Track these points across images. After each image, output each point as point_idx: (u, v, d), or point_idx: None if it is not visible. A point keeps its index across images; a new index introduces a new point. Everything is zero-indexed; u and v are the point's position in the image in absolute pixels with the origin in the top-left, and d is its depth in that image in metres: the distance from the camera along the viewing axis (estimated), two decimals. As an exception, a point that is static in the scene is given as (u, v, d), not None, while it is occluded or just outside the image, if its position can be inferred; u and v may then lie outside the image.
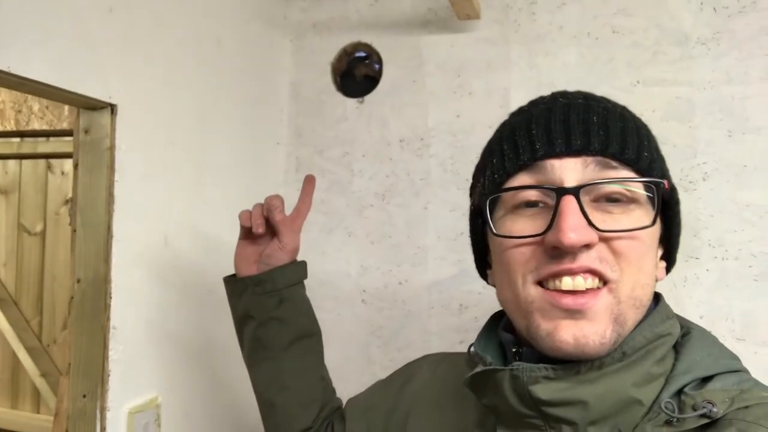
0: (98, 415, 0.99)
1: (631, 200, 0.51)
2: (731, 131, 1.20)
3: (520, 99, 1.22)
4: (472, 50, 1.40)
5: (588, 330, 0.48)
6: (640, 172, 0.52)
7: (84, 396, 1.00)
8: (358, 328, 1.50)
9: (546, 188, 0.51)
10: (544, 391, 0.50)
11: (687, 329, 0.57)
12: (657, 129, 1.21)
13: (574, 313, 0.49)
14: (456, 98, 1.41)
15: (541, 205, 0.52)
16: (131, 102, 1.03)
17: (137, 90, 1.05)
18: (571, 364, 0.50)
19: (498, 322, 0.63)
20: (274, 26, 1.53)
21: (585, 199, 0.50)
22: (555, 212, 0.49)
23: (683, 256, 1.22)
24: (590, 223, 0.49)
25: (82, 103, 0.97)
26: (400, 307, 1.46)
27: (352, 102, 1.52)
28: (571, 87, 0.63)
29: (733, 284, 1.19)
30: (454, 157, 1.41)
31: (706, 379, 0.51)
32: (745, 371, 0.54)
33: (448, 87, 1.42)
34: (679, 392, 0.50)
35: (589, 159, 0.51)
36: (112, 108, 1.00)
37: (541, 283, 0.51)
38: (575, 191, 0.49)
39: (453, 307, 1.40)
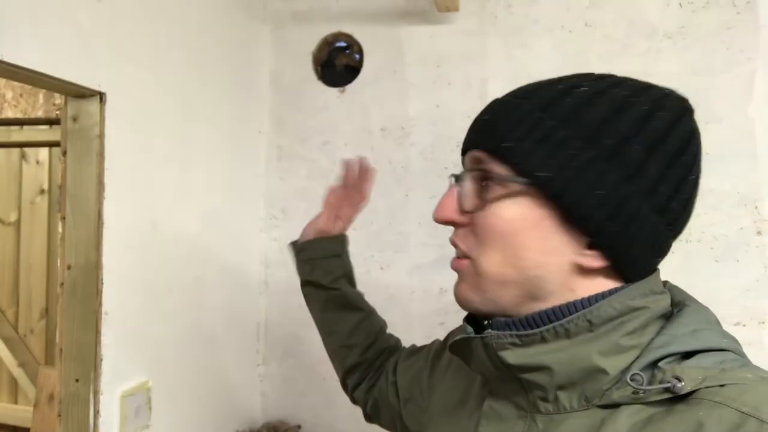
0: (92, 399, 1.01)
1: (502, 188, 0.56)
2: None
3: (497, 90, 1.27)
4: (451, 42, 1.44)
5: (461, 287, 0.60)
6: (504, 161, 0.56)
7: (77, 380, 1.02)
8: (341, 313, 1.53)
9: (451, 176, 0.63)
10: (511, 356, 0.54)
11: (682, 306, 0.56)
12: (626, 119, 1.29)
13: (457, 273, 0.61)
14: (436, 88, 1.45)
15: None
16: (119, 90, 1.04)
17: (125, 79, 1.06)
18: (535, 330, 0.53)
19: None
20: (254, 16, 1.54)
21: (475, 186, 0.58)
22: None
23: (650, 239, 1.29)
24: (460, 206, 0.59)
25: (71, 91, 0.98)
26: (382, 292, 1.50)
27: (333, 91, 1.54)
28: (546, 77, 0.62)
29: (696, 265, 1.27)
30: (434, 145, 1.45)
31: (689, 356, 0.52)
32: (736, 352, 0.54)
33: (428, 77, 1.46)
34: (655, 365, 0.52)
35: (472, 152, 0.59)
36: (101, 96, 1.01)
37: None
38: (456, 178, 0.61)
39: (434, 291, 1.45)
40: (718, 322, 0.57)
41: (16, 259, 2.01)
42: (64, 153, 1.03)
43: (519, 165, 0.55)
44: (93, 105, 1.01)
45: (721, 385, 0.48)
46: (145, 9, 1.11)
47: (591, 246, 0.56)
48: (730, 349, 0.53)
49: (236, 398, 1.49)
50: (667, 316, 0.56)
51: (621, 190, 0.54)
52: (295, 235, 1.61)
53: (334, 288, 0.98)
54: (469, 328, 0.60)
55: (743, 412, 0.45)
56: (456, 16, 1.42)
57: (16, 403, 2.00)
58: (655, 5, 1.30)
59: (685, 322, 0.54)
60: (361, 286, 1.52)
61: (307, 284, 0.99)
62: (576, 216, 0.54)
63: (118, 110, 1.04)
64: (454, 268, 0.61)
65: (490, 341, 0.55)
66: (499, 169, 0.56)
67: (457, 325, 0.89)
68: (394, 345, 1.01)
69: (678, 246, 1.31)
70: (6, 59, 0.82)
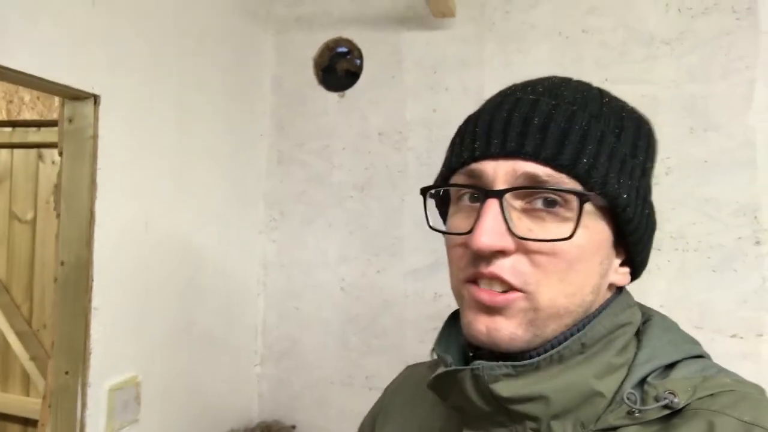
0: (79, 391, 1.04)
1: (566, 208, 0.49)
2: (693, 128, 1.25)
3: (491, 95, 1.27)
4: (448, 47, 1.44)
5: (500, 324, 0.50)
6: (577, 179, 0.49)
7: (66, 373, 1.05)
8: (336, 316, 1.55)
9: (474, 188, 0.52)
10: (505, 388, 0.50)
11: (647, 316, 0.56)
12: (623, 125, 1.27)
13: (489, 309, 0.50)
14: (432, 94, 1.46)
15: (480, 201, 0.52)
16: (114, 93, 1.08)
17: (120, 81, 1.09)
18: (529, 359, 0.50)
19: (457, 321, 0.61)
20: (257, 21, 1.57)
21: (516, 203, 0.50)
22: (478, 215, 0.49)
23: (645, 247, 1.28)
24: (509, 230, 0.49)
25: (66, 93, 1.01)
26: (377, 296, 1.51)
27: (333, 96, 1.56)
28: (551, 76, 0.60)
29: (692, 275, 1.25)
30: (431, 150, 1.46)
31: (669, 366, 0.51)
32: (707, 356, 0.54)
33: (425, 83, 1.47)
34: (643, 381, 0.50)
35: (522, 163, 0.49)
36: (95, 98, 1.04)
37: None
38: (499, 195, 0.49)
39: (428, 296, 1.45)
40: (680, 328, 0.57)
41: (31, 255, 2.07)
42: (60, 153, 1.07)
43: (601, 186, 0.50)
44: (87, 107, 1.04)
45: (711, 395, 0.48)
46: (141, 13, 1.15)
47: (623, 263, 0.56)
48: (703, 355, 0.54)
49: (232, 398, 1.52)
50: (637, 330, 0.56)
51: (652, 207, 0.56)
52: (293, 238, 1.64)
53: None
54: (450, 360, 0.55)
55: (745, 422, 0.45)
56: (453, 22, 1.43)
57: (27, 395, 2.06)
58: (654, 11, 1.28)
59: (659, 334, 0.54)
60: (355, 290, 1.54)
61: None
62: (634, 238, 0.54)
63: (113, 112, 1.08)
64: (496, 303, 0.50)
65: (481, 373, 0.50)
66: (573, 187, 0.49)
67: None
68: None
69: (674, 255, 1.29)
70: (1, 62, 0.86)
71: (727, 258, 1.23)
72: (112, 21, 1.07)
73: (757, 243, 1.21)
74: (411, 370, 0.76)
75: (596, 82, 1.37)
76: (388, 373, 1.48)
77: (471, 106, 1.52)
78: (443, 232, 0.55)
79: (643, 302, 1.31)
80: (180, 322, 1.29)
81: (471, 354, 0.56)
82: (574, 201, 0.49)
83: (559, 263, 0.49)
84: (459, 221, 0.53)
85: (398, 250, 1.49)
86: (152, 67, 1.18)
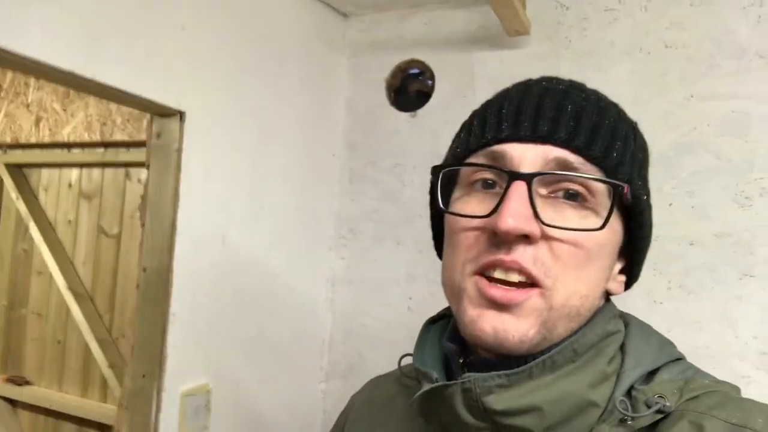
0: (155, 395, 1.07)
1: (589, 202, 0.48)
2: (790, 146, 1.17)
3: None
4: (522, 66, 1.43)
5: (510, 324, 0.47)
6: (605, 172, 0.48)
7: (143, 376, 1.09)
8: (405, 335, 1.53)
9: (498, 170, 0.49)
10: (498, 401, 0.47)
11: (625, 321, 0.55)
12: (712, 144, 1.21)
13: (500, 306, 0.47)
14: (505, 112, 1.44)
15: (497, 187, 0.49)
16: (198, 110, 1.13)
17: (204, 99, 1.15)
18: (522, 366, 0.47)
19: (431, 330, 0.60)
20: (332, 45, 1.62)
21: (541, 190, 0.48)
22: (503, 196, 0.47)
23: (737, 273, 1.19)
24: (536, 214, 0.46)
25: (154, 109, 1.07)
26: (445, 316, 1.48)
27: (404, 116, 1.57)
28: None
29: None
30: (502, 169, 1.43)
31: (651, 371, 0.50)
32: (684, 357, 0.54)
33: (498, 101, 1.45)
34: (630, 388, 0.49)
35: (553, 148, 0.48)
36: (181, 115, 1.10)
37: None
38: (528, 178, 0.46)
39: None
40: (657, 331, 0.56)
41: (114, 268, 2.19)
42: (148, 167, 1.13)
43: (628, 183, 0.49)
44: (174, 123, 1.10)
45: (695, 397, 0.47)
46: (226, 36, 1.21)
47: (621, 270, 0.55)
48: (681, 357, 0.54)
49: (298, 412, 1.52)
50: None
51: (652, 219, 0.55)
52: (362, 255, 1.64)
53: None
54: (435, 375, 0.51)
55: (734, 424, 0.45)
56: (528, 40, 1.41)
57: (105, 401, 2.16)
58: (743, 22, 1.21)
59: (641, 338, 0.53)
60: (423, 309, 1.51)
61: None
62: (641, 245, 0.54)
63: (197, 128, 1.13)
64: (511, 300, 0.47)
65: (471, 386, 0.47)
66: (599, 179, 0.48)
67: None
68: None
69: (768, 282, 1.18)
70: (98, 79, 0.93)
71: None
72: (199, 43, 1.13)
73: None
74: (375, 383, 0.73)
75: (681, 99, 1.31)
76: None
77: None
78: (458, 215, 0.51)
79: (735, 333, 1.22)
80: (250, 334, 1.32)
81: (461, 360, 0.54)
82: (601, 194, 0.48)
83: (580, 256, 0.47)
84: (471, 206, 0.50)
85: (467, 271, 1.46)
86: (234, 87, 1.24)
